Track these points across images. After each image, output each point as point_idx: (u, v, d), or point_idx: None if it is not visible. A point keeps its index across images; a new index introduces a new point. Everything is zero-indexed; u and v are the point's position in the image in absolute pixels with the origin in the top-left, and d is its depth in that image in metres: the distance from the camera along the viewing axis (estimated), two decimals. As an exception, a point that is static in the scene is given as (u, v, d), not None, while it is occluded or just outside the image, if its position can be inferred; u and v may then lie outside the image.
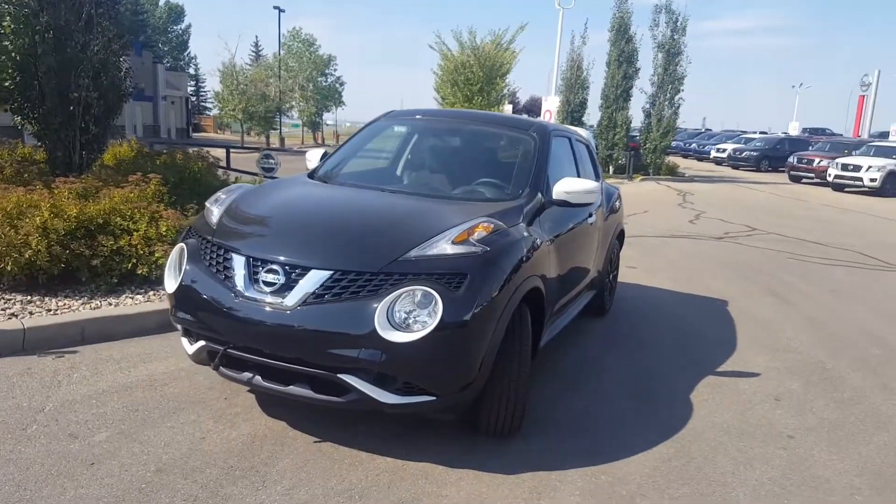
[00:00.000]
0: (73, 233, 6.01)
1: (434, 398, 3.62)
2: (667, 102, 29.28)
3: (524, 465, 3.89)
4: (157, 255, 6.15)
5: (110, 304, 5.72)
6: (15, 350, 4.92)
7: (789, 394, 5.29)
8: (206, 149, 12.38)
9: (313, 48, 59.61)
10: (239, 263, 3.77)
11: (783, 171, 33.38)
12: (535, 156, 5.15)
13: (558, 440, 4.25)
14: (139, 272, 6.13)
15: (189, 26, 77.36)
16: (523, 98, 55.73)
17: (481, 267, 3.69)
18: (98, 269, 5.99)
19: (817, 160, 29.69)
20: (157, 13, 72.17)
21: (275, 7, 49.73)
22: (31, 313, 5.33)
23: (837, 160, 27.34)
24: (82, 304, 5.65)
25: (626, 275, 8.31)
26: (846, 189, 26.69)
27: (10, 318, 5.18)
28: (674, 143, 32.03)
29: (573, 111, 29.96)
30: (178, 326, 4.13)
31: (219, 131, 64.76)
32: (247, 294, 3.67)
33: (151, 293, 6.06)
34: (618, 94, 29.09)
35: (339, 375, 3.53)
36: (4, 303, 5.50)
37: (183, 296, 3.93)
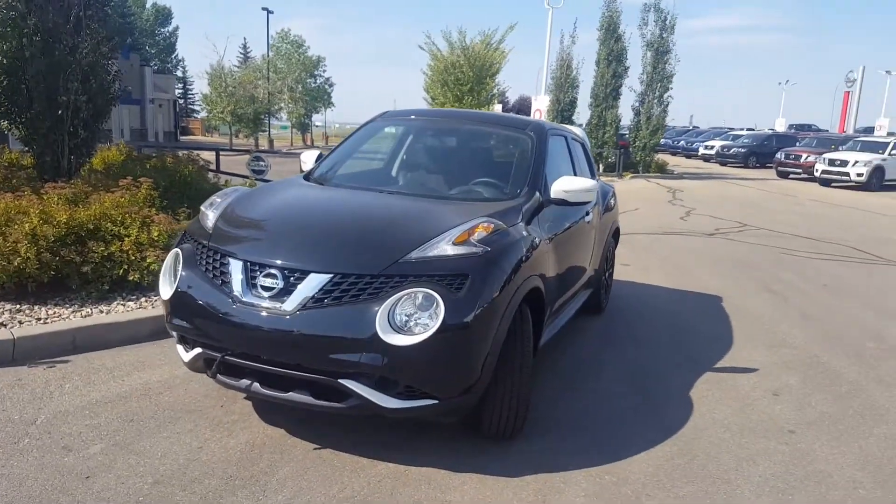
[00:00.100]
0: (63, 239, 5.91)
1: (436, 402, 3.58)
2: (656, 100, 29.36)
3: (527, 466, 3.85)
4: (149, 260, 6.07)
5: (102, 312, 5.63)
6: (4, 361, 4.82)
7: (788, 389, 5.28)
8: (195, 152, 12.26)
9: (302, 49, 59.40)
10: (236, 268, 3.71)
11: (771, 168, 33.55)
12: (533, 155, 5.12)
13: (560, 440, 4.22)
14: (131, 278, 6.05)
15: (177, 28, 77.05)
16: (512, 98, 55.66)
17: (482, 268, 3.65)
18: (89, 275, 5.89)
19: (805, 156, 29.87)
20: (144, 15, 71.76)
21: (263, 8, 49.57)
22: (20, 322, 5.25)
23: (824, 156, 27.54)
24: (73, 311, 5.57)
25: (620, 272, 8.28)
26: (833, 184, 26.86)
27: (-1, 328, 5.10)
28: (662, 141, 32.08)
29: (563, 110, 30.00)
30: (174, 333, 4.06)
31: (207, 134, 64.49)
32: (245, 299, 3.61)
33: (143, 299, 5.99)
34: (607, 93, 29.18)
35: (339, 380, 3.48)
36: (-7, 312, 5.41)
37: (179, 302, 3.86)
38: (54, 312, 5.51)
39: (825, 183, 27.12)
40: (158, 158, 10.66)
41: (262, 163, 14.31)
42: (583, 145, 6.73)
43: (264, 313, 3.55)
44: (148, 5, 72.90)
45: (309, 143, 60.50)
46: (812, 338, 6.65)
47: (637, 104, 29.91)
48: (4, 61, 8.10)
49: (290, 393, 3.63)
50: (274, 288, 3.58)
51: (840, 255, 11.38)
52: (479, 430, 4.04)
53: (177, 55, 78.29)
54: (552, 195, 4.80)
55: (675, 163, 37.05)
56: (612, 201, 7.22)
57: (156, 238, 6.29)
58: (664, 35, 28.66)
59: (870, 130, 46.32)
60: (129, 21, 60.65)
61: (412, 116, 6.30)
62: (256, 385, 3.68)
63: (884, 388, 5.41)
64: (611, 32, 28.88)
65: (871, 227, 15.55)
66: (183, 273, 3.91)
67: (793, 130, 49.27)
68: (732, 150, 38.83)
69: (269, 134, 51.08)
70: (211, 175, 11.87)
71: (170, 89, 53.41)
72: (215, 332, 3.72)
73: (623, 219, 7.89)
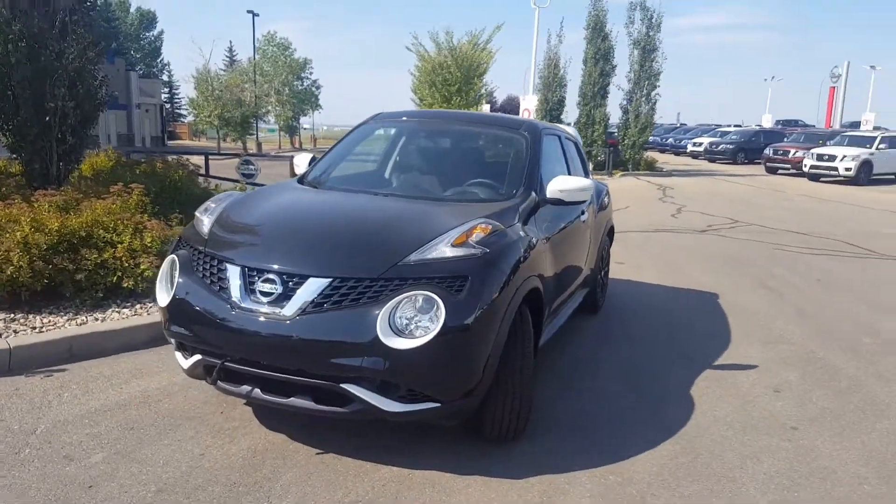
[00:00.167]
0: (56, 247, 5.85)
1: (438, 405, 3.56)
2: (644, 98, 29.47)
3: (531, 468, 3.83)
4: (142, 267, 6.02)
5: (97, 319, 5.59)
6: (0, 370, 4.78)
7: (788, 385, 5.28)
8: (185, 157, 12.20)
9: (288, 52, 59.23)
10: (234, 274, 3.68)
11: (759, 163, 33.73)
12: (528, 155, 5.10)
13: (562, 441, 4.20)
14: (125, 285, 5.99)
15: (161, 33, 76.54)
16: (500, 97, 55.71)
17: (482, 269, 3.63)
18: (82, 283, 5.83)
19: (793, 151, 30.08)
20: (128, 20, 71.35)
21: (248, 11, 49.42)
22: (15, 332, 5.19)
23: (812, 151, 27.73)
24: (68, 319, 5.52)
25: (614, 270, 8.27)
26: (822, 179, 27.07)
27: (-6, 338, 5.05)
28: (651, 139, 32.22)
29: (551, 109, 30.07)
30: (172, 340, 4.03)
31: (194, 138, 64.16)
32: (243, 305, 3.58)
33: (138, 306, 5.94)
34: (595, 92, 29.31)
35: (341, 385, 3.46)
36: (-13, 321, 5.36)
37: (177, 309, 3.83)
38: (49, 321, 5.46)
39: (814, 178, 27.30)
40: (148, 164, 10.58)
41: (251, 166, 14.23)
42: (576, 144, 6.72)
43: (264, 319, 3.52)
44: (132, 10, 72.45)
45: (297, 145, 60.32)
46: (808, 333, 6.66)
47: (625, 102, 30.02)
48: (-11, 67, 8.01)
49: (292, 398, 3.60)
50: (273, 293, 3.55)
51: (831, 250, 11.42)
52: (480, 433, 4.01)
53: (162, 59, 77.85)
54: (548, 195, 4.80)
55: (664, 160, 37.16)
56: (605, 200, 7.22)
57: (149, 244, 6.23)
58: (651, 33, 28.77)
59: (856, 125, 46.53)
60: (113, 26, 60.35)
61: (405, 118, 6.28)
62: (257, 391, 3.65)
63: (883, 383, 5.41)
64: (597, 31, 29.01)
65: (860, 221, 15.64)
66: (180, 280, 3.87)
67: (780, 126, 49.58)
68: (721, 146, 38.98)
69: (257, 137, 50.87)
70: (201, 179, 11.85)
71: (156, 94, 53.12)
72: (214, 338, 3.69)
73: (615, 217, 7.89)
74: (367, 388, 3.46)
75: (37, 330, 5.27)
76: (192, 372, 3.92)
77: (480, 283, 3.57)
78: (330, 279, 3.52)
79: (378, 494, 3.52)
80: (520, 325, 3.89)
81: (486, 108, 33.47)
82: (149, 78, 60.10)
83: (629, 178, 26.75)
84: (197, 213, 4.37)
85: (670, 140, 48.02)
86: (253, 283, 3.62)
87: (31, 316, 5.52)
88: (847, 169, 25.81)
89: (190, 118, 58.19)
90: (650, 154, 32.96)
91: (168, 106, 71.37)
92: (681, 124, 62.55)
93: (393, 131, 6.01)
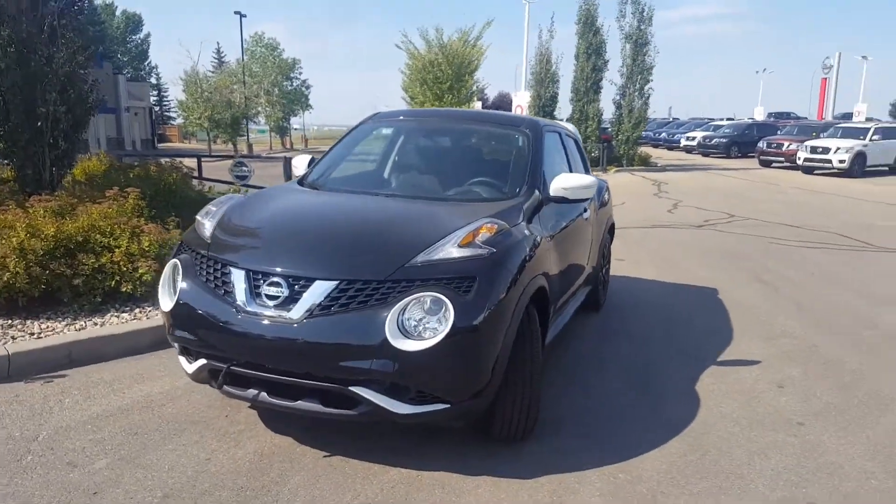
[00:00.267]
0: (52, 252, 5.82)
1: (448, 406, 3.53)
2: (637, 93, 29.42)
3: (540, 467, 3.81)
4: (141, 271, 5.98)
5: (96, 324, 5.55)
6: (0, 377, 4.74)
7: (791, 380, 5.27)
8: (178, 159, 12.12)
9: (277, 52, 59.13)
10: (238, 277, 3.65)
11: (753, 157, 33.72)
12: (530, 152, 5.08)
13: (570, 440, 4.18)
14: (123, 290, 5.95)
15: (148, 35, 76.29)
16: (491, 94, 55.61)
17: (489, 269, 3.61)
18: (80, 288, 5.80)
19: (786, 144, 30.06)
20: (114, 23, 71.00)
21: (236, 12, 49.26)
22: (13, 338, 5.15)
23: (806, 143, 27.67)
24: (66, 325, 5.48)
25: (613, 267, 8.25)
26: (816, 171, 27.00)
27: (-8, 344, 5.01)
28: (644, 134, 32.20)
29: (544, 105, 30.05)
30: (176, 345, 3.99)
31: (184, 141, 63.97)
32: (249, 309, 3.54)
33: (137, 310, 5.90)
34: (588, 87, 29.28)
35: (350, 388, 3.43)
36: (-15, 328, 5.31)
37: (180, 314, 3.79)
38: (47, 326, 5.42)
39: (808, 170, 27.27)
40: (142, 167, 10.51)
41: (245, 168, 14.21)
42: (575, 141, 6.70)
43: (270, 322, 3.49)
44: (118, 13, 72.10)
45: (288, 146, 60.23)
46: (809, 327, 6.65)
47: (618, 97, 29.94)
48: (-22, 75, 7.95)
49: (299, 401, 3.57)
50: (279, 296, 3.52)
51: (828, 243, 11.43)
52: (489, 433, 3.99)
53: (150, 62, 77.63)
54: (551, 193, 4.77)
55: (658, 155, 37.11)
56: (606, 196, 7.20)
57: (146, 248, 6.19)
58: (642, 27, 28.68)
59: (848, 116, 46.74)
60: (99, 29, 60.04)
61: (405, 117, 6.25)
62: (264, 395, 3.63)
63: (886, 377, 5.40)
64: (589, 26, 28.96)
65: (854, 213, 15.63)
66: (183, 284, 3.84)
67: (772, 119, 49.61)
68: (714, 140, 38.98)
69: (248, 138, 50.73)
70: (195, 182, 11.79)
71: (145, 97, 52.85)
72: (220, 342, 3.66)
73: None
74: (377, 390, 3.44)
75: (35, 336, 5.23)
76: (196, 376, 3.89)
77: (488, 283, 3.54)
78: (337, 281, 3.49)
79: (388, 496, 3.49)
80: (527, 325, 3.86)
81: (477, 104, 33.44)
82: (137, 81, 59.84)
83: (624, 173, 26.71)
84: (198, 217, 4.33)
85: (663, 135, 47.99)
86: (258, 286, 3.58)
87: (29, 322, 5.49)
88: (841, 161, 25.80)
89: (179, 120, 58.03)
90: (644, 149, 32.96)
91: (157, 109, 71.07)
92: (673, 118, 62.60)
93: (392, 131, 5.97)
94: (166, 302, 3.91)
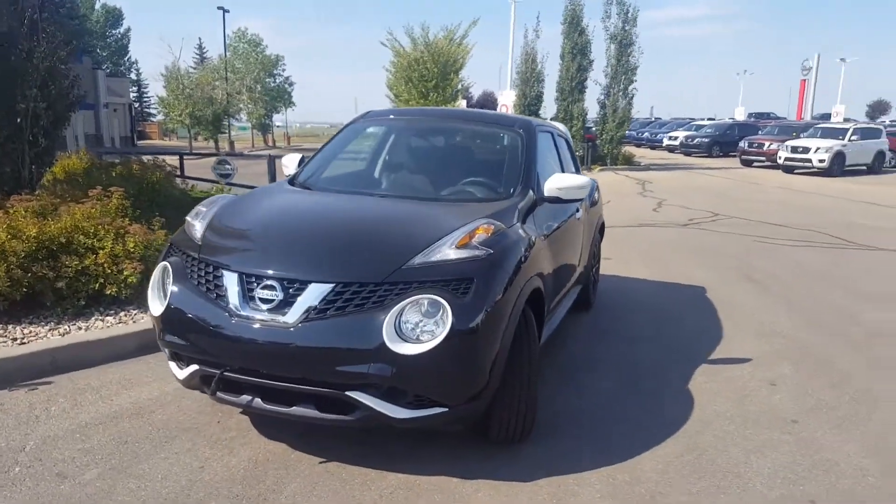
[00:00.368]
0: (34, 254, 5.66)
1: (446, 409, 3.47)
2: (621, 93, 29.63)
3: (538, 470, 3.78)
4: (126, 273, 5.85)
5: (80, 329, 5.42)
6: (-17, 385, 4.62)
7: (783, 378, 5.29)
8: (161, 157, 11.97)
9: (260, 48, 58.75)
10: (231, 281, 3.56)
11: (734, 156, 34.06)
12: (524, 152, 5.04)
13: (566, 441, 4.15)
14: (108, 292, 5.82)
15: (128, 30, 75.16)
16: (476, 93, 55.57)
17: (487, 271, 3.55)
18: (63, 291, 5.66)
19: (767, 144, 30.41)
20: (93, 17, 70.00)
21: (219, 7, 48.86)
22: (-5, 344, 5.04)
23: (787, 143, 28.02)
24: (50, 329, 5.35)
25: (602, 266, 8.24)
26: (796, 171, 27.31)
27: (-27, 351, 4.88)
28: (627, 133, 32.33)
29: (529, 104, 30.06)
30: (166, 351, 3.90)
31: (164, 138, 63.47)
32: (243, 313, 3.47)
33: (122, 313, 5.78)
34: (573, 87, 29.34)
35: (346, 393, 3.36)
36: (-35, 334, 5.18)
37: (171, 318, 3.70)
38: (30, 331, 5.29)
39: (788, 170, 27.54)
40: (124, 165, 10.33)
41: (228, 166, 14.09)
42: (566, 141, 6.67)
43: (265, 326, 3.42)
44: (97, 6, 71.08)
45: (270, 143, 59.91)
46: (798, 325, 6.68)
47: (602, 97, 30.14)
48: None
49: (294, 407, 3.50)
50: (273, 300, 3.45)
51: (812, 241, 11.50)
52: (486, 436, 3.95)
53: (130, 57, 76.54)
54: (546, 193, 4.74)
55: (641, 154, 37.32)
56: (596, 196, 7.17)
57: (131, 249, 6.07)
58: (627, 27, 28.85)
59: (826, 117, 47.15)
60: (78, 23, 59.31)
61: (397, 116, 6.18)
62: (258, 400, 3.55)
63: (875, 374, 5.44)
64: (574, 26, 29.01)
65: (836, 212, 15.76)
66: (174, 288, 3.75)
67: (753, 119, 49.97)
68: (696, 140, 39.31)
69: (230, 136, 50.40)
70: (178, 181, 11.65)
71: (124, 93, 52.22)
72: (213, 347, 3.58)
73: (600, 212, 7.85)
74: (374, 395, 3.37)
75: (18, 341, 5.09)
76: (188, 383, 3.80)
77: (486, 285, 3.49)
78: (332, 284, 3.42)
79: (387, 502, 3.44)
80: (524, 327, 3.82)
81: (462, 103, 33.40)
82: (116, 76, 59.14)
83: (608, 172, 26.77)
84: (188, 218, 4.24)
85: (646, 134, 48.30)
86: (252, 289, 3.51)
87: (10, 326, 5.35)
88: (821, 161, 26.10)
89: (160, 117, 57.56)
90: (627, 149, 33.14)
91: (137, 105, 70.35)
92: (655, 118, 62.91)
93: (384, 130, 5.90)
94: (156, 306, 3.82)
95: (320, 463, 3.79)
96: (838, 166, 26.37)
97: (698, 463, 3.93)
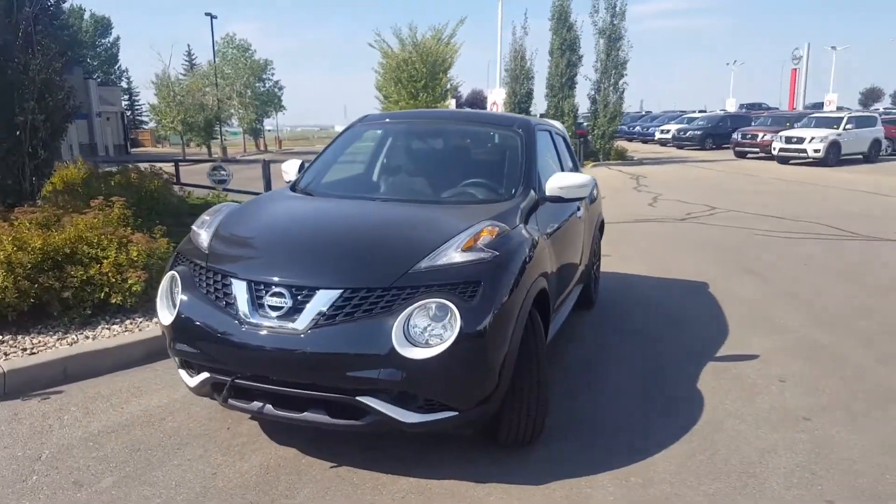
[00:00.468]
0: (40, 265, 5.69)
1: (456, 413, 3.48)
2: (611, 88, 29.57)
3: (550, 473, 3.77)
4: (130, 281, 5.87)
5: (87, 338, 5.45)
6: (-3, 395, 4.66)
7: (793, 374, 5.24)
8: (158, 165, 11.97)
9: (249, 53, 58.66)
10: (240, 288, 3.58)
11: (727, 148, 34.03)
12: (524, 152, 5.05)
13: (576, 443, 4.15)
14: (113, 301, 5.84)
15: (118, 39, 75.04)
16: (465, 92, 55.59)
17: (493, 273, 3.56)
18: (70, 301, 5.70)
19: (761, 135, 30.39)
20: (83, 27, 69.84)
21: (206, 13, 48.86)
22: (6, 354, 5.07)
23: (781, 133, 28.00)
24: (58, 339, 5.38)
25: (602, 263, 8.26)
26: (791, 161, 27.32)
27: (-16, 362, 4.90)
28: (618, 128, 32.28)
29: (520, 102, 30.11)
30: (176, 359, 3.92)
31: (157, 145, 63.36)
32: (252, 320, 3.48)
33: (128, 322, 5.81)
34: (563, 83, 29.34)
35: (357, 398, 3.38)
36: (-25, 346, 5.20)
37: (182, 327, 3.71)
38: (39, 341, 5.32)
39: (783, 161, 27.55)
40: (122, 174, 10.35)
41: (223, 172, 14.09)
42: (564, 138, 6.68)
43: (275, 333, 3.43)
44: (86, 16, 70.89)
45: (262, 148, 59.81)
46: (804, 320, 6.65)
47: (593, 92, 30.07)
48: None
49: (305, 413, 3.51)
50: (282, 307, 3.46)
51: (812, 233, 11.50)
52: (495, 439, 3.95)
53: (120, 66, 76.38)
54: (547, 192, 4.74)
55: (634, 149, 37.30)
56: (595, 192, 7.17)
57: (135, 258, 6.08)
58: (615, 22, 28.80)
59: (819, 106, 47.25)
60: (68, 33, 59.13)
61: (395, 119, 6.19)
62: (269, 407, 3.57)
63: (888, 368, 5.38)
64: (562, 22, 29.01)
65: (834, 202, 15.76)
66: (183, 297, 3.76)
67: (744, 110, 50.02)
68: (689, 132, 39.17)
69: (222, 141, 50.31)
70: (175, 188, 11.65)
71: (116, 101, 52.21)
72: (223, 355, 3.59)
73: (596, 208, 7.84)
74: (384, 399, 3.39)
75: (28, 351, 5.13)
76: (199, 390, 3.82)
77: (493, 287, 3.50)
78: (341, 290, 3.43)
79: (400, 507, 3.45)
80: (531, 328, 3.82)
81: (451, 103, 33.40)
82: (108, 85, 59.07)
83: (601, 168, 26.78)
84: (194, 227, 4.26)
85: (637, 128, 48.20)
86: (261, 297, 3.52)
87: (19, 337, 5.39)
88: (816, 150, 26.09)
89: (152, 125, 57.46)
90: (620, 143, 33.10)
91: (129, 113, 70.18)
92: (646, 112, 62.97)
93: (383, 133, 5.89)
94: (166, 315, 3.83)
95: (331, 468, 3.80)
96: (834, 156, 26.36)
97: (712, 463, 3.90)
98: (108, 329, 5.65)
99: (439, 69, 30.32)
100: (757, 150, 30.43)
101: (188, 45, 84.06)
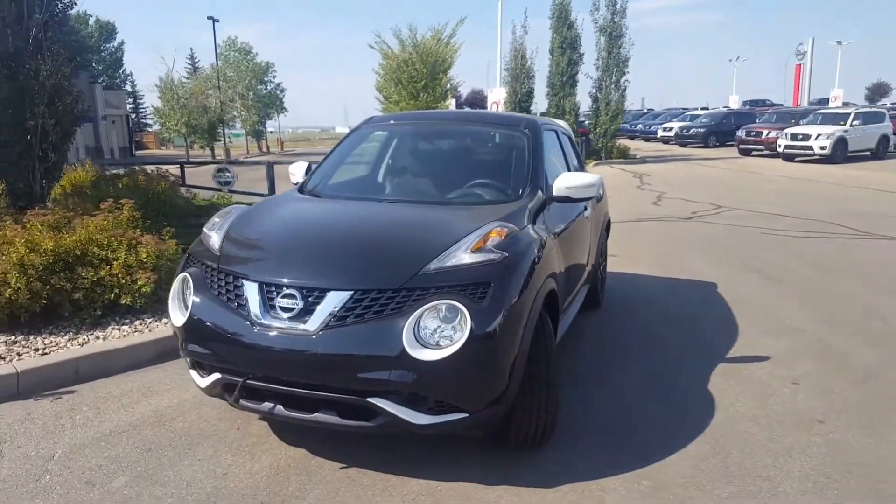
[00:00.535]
0: (52, 267, 5.76)
1: (466, 415, 3.48)
2: (613, 86, 29.41)
3: (560, 475, 3.76)
4: (140, 283, 5.92)
5: (98, 338, 5.49)
6: (10, 395, 4.69)
7: (805, 376, 5.19)
8: (164, 167, 12.04)
9: (250, 56, 58.71)
10: (251, 290, 3.59)
11: (731, 146, 33.90)
12: (531, 152, 5.04)
13: (585, 444, 4.13)
14: (123, 302, 5.90)
15: (122, 43, 75.22)
16: (464, 91, 55.53)
17: (503, 274, 3.57)
18: (80, 302, 5.75)
19: (766, 132, 30.19)
20: (87, 31, 70.02)
21: (209, 17, 48.95)
22: (18, 354, 5.12)
23: (786, 130, 27.83)
24: (69, 339, 5.43)
25: (608, 263, 8.26)
26: (797, 158, 27.18)
27: (-4, 363, 4.95)
28: (620, 126, 32.24)
29: (520, 101, 30.12)
30: (187, 360, 3.94)
31: (161, 147, 63.50)
32: (264, 321, 3.49)
33: (138, 322, 5.85)
34: (564, 81, 29.27)
35: (368, 399, 3.39)
36: (-11, 346, 5.25)
37: (194, 328, 3.73)
38: (51, 341, 5.38)
39: (788, 158, 27.42)
40: (130, 177, 10.41)
41: (228, 174, 14.15)
42: (569, 137, 6.68)
43: (286, 335, 3.44)
44: (91, 21, 71.06)
45: (265, 149, 59.85)
46: (815, 320, 6.59)
47: (594, 90, 29.91)
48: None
49: (316, 414, 3.52)
50: (293, 308, 3.47)
51: (820, 232, 11.44)
52: (505, 441, 3.95)
53: (124, 70, 76.61)
54: (555, 193, 4.73)
55: (636, 147, 37.25)
56: (601, 191, 7.16)
57: (144, 260, 6.14)
58: (616, 19, 28.60)
59: (824, 102, 47.03)
60: (74, 38, 59.20)
61: (401, 120, 6.20)
62: (280, 407, 3.58)
63: (901, 370, 5.34)
64: (563, 20, 28.96)
65: (841, 200, 15.65)
66: (195, 298, 3.78)
67: (748, 107, 49.84)
68: (692, 130, 39.00)
69: (225, 143, 50.38)
70: (182, 190, 11.70)
71: (121, 105, 52.50)
72: (235, 356, 3.61)
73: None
74: (395, 401, 3.39)
75: (40, 352, 5.19)
76: (210, 391, 3.84)
77: (503, 288, 3.51)
78: (351, 292, 3.45)
79: (412, 509, 3.45)
80: (541, 329, 3.82)
81: (451, 102, 33.42)
82: (112, 89, 59.27)
83: (603, 166, 26.69)
84: (205, 230, 4.28)
85: (640, 126, 48.09)
86: (272, 298, 3.53)
87: (31, 337, 5.45)
88: (822, 147, 25.90)
89: (156, 127, 57.57)
90: (622, 141, 33.04)
91: (133, 116, 70.39)
92: (648, 109, 62.88)
93: (389, 135, 5.91)
94: (178, 317, 3.85)
95: (341, 469, 3.81)
96: (841, 153, 26.13)
97: (725, 466, 3.87)
98: (118, 330, 5.69)
99: (439, 69, 30.35)
100: (761, 147, 30.22)
101: (191, 49, 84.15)
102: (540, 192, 4.71)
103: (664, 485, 3.69)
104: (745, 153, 31.30)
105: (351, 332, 3.38)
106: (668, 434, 4.26)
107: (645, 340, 6.11)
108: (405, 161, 5.68)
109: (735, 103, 58.09)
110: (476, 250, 3.63)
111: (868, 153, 27.94)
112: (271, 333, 3.46)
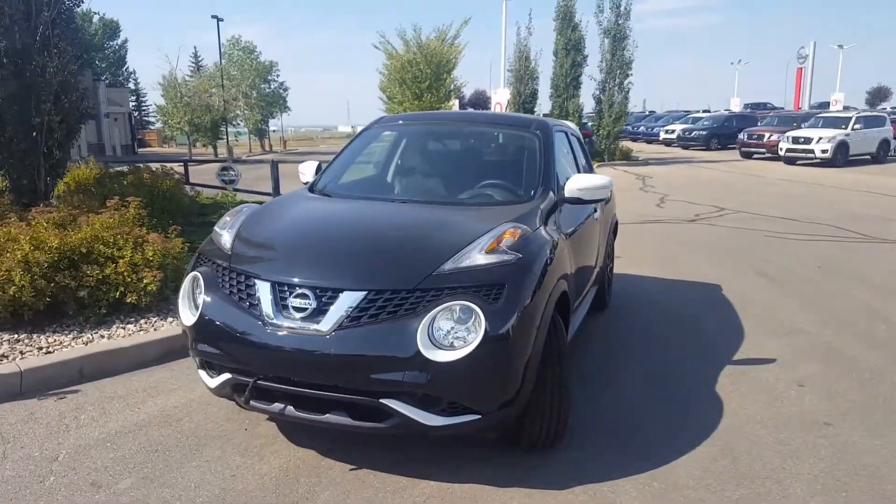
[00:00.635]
0: (57, 264, 5.72)
1: (479, 416, 3.46)
2: (616, 88, 29.40)
3: (571, 478, 3.74)
4: (145, 281, 5.89)
5: (102, 337, 5.45)
6: (13, 395, 4.65)
7: (811, 378, 5.19)
8: (169, 165, 11.96)
9: (254, 55, 58.65)
10: (264, 290, 3.56)
11: (733, 149, 33.89)
12: (542, 154, 5.02)
13: (596, 446, 4.12)
14: (128, 300, 5.85)
15: (126, 41, 75.18)
16: (468, 92, 55.53)
17: (517, 275, 3.55)
18: (85, 300, 5.71)
19: (767, 135, 30.21)
20: (91, 29, 70.02)
21: (213, 16, 48.88)
22: (21, 353, 5.08)
23: (788, 134, 27.84)
24: (73, 338, 5.39)
25: (614, 264, 8.23)
26: (798, 162, 27.20)
27: (0, 361, 4.90)
28: (623, 128, 32.23)
29: (524, 102, 30.11)
30: (196, 359, 3.90)
31: (164, 145, 63.49)
32: (276, 321, 3.46)
33: (143, 321, 5.82)
34: (567, 83, 29.27)
35: (381, 400, 3.36)
36: (-8, 344, 5.21)
37: (204, 328, 3.70)
38: (55, 340, 5.34)
39: (790, 161, 27.42)
40: (134, 175, 10.35)
41: (232, 172, 14.08)
42: (578, 138, 6.66)
43: (299, 335, 3.41)
44: (95, 19, 71.07)
45: (267, 148, 59.80)
46: (820, 322, 6.60)
47: (598, 92, 29.90)
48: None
49: (328, 415, 3.49)
50: (306, 308, 3.44)
51: (823, 235, 11.43)
52: (517, 442, 3.93)
53: (127, 68, 76.56)
54: (566, 194, 4.72)
55: (638, 149, 37.22)
56: (609, 193, 7.13)
57: (150, 258, 6.10)
58: (620, 21, 28.60)
59: (825, 105, 47.05)
60: (80, 37, 59.11)
61: (410, 121, 6.16)
62: (290, 408, 3.55)
63: (906, 373, 5.32)
64: (567, 22, 28.94)
65: (845, 203, 15.64)
66: (206, 298, 3.75)
67: (749, 110, 49.84)
68: (694, 132, 38.94)
69: (228, 142, 50.33)
70: (188, 188, 11.65)
71: (124, 102, 52.42)
72: (246, 356, 3.58)
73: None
74: (408, 402, 3.37)
75: (44, 350, 5.14)
76: (219, 391, 3.81)
77: (517, 290, 3.49)
78: (365, 292, 3.42)
79: (423, 511, 3.43)
80: (553, 330, 3.80)
81: (455, 103, 33.42)
82: (116, 87, 59.23)
83: (606, 168, 26.58)
84: (216, 228, 4.25)
85: (642, 128, 48.02)
86: (285, 298, 3.51)
87: (35, 336, 5.40)
88: (823, 151, 25.93)
89: (159, 125, 57.58)
90: (624, 143, 33.01)
91: (136, 114, 70.40)
92: (650, 112, 62.83)
93: (399, 135, 5.88)
94: (188, 316, 3.82)
95: (351, 470, 3.79)
96: (842, 156, 26.15)
97: (735, 468, 3.86)
98: (123, 328, 5.65)
99: (443, 70, 30.37)
100: (763, 150, 30.27)
101: (194, 48, 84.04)
102: (552, 193, 4.69)
103: (675, 486, 3.68)
104: (747, 156, 31.29)
105: (365, 332, 3.35)
106: (676, 436, 4.26)
107: (650, 342, 6.09)
108: (417, 162, 5.65)
109: (736, 106, 58.10)
110: (490, 251, 3.61)
111: (869, 157, 27.98)
112: (283, 333, 3.43)
